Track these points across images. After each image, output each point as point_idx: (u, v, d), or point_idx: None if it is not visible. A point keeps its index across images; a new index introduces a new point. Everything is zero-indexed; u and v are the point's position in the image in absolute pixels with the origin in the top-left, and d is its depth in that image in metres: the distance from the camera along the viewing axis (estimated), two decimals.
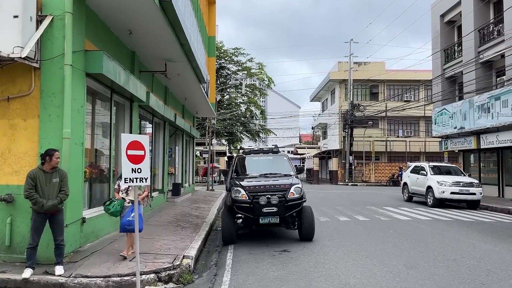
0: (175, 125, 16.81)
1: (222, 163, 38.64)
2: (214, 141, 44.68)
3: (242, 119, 43.18)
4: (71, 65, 6.70)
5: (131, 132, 10.62)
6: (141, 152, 5.61)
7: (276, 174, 10.17)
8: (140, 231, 6.43)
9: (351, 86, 39.92)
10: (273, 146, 11.45)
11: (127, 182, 5.47)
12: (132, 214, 6.66)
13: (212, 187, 26.43)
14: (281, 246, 8.88)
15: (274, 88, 50.03)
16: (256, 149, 11.02)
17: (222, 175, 36.78)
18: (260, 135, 45.18)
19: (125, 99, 10.45)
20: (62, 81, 6.70)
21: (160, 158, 15.35)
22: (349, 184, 38.00)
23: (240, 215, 9.26)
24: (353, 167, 39.64)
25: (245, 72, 42.53)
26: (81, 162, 7.54)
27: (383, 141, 41.37)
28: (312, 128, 55.39)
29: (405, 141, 41.26)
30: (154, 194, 14.42)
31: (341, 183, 39.41)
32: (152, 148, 13.83)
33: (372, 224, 12.23)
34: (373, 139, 40.72)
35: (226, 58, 42.87)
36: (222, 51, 41.27)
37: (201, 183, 37.03)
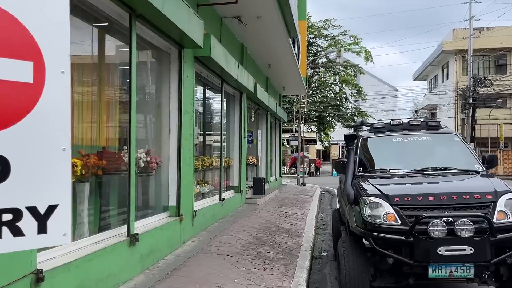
0: (256, 100, 12.41)
1: (312, 152, 33.96)
2: (302, 127, 40.02)
3: (335, 102, 37.63)
4: None
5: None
6: None
7: (446, 169, 5.21)
8: None
9: (471, 57, 32.35)
10: (425, 117, 6.39)
11: None
12: None
13: (303, 181, 21.78)
14: None
15: (366, 68, 43.52)
16: (395, 122, 6.03)
17: (333, 168, 32.22)
18: (355, 119, 39.31)
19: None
20: None
21: (235, 143, 11.07)
22: None
23: (382, 254, 4.47)
24: None
25: (339, 46, 36.93)
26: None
27: None
28: (415, 111, 47.88)
29: None
30: (227, 194, 10.17)
31: None
32: (221, 128, 9.55)
33: None
34: (500, 121, 32.84)
35: (314, 33, 37.62)
36: (309, 24, 36.08)
37: (288, 174, 32.66)
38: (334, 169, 7.32)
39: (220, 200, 9.04)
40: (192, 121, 7.07)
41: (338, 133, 52.23)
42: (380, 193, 4.57)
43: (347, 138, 5.89)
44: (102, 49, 5.24)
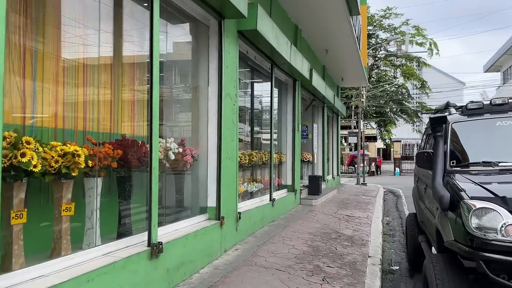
0: (311, 89, 11.14)
1: (372, 150, 31.86)
2: (361, 123, 37.83)
3: (397, 96, 35.07)
4: None
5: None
6: None
7: None
8: None
9: None
10: None
11: None
12: None
13: (364, 180, 20.09)
14: None
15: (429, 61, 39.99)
16: (498, 101, 4.52)
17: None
18: (419, 115, 36.54)
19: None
20: None
21: (288, 137, 9.88)
22: None
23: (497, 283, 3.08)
24: None
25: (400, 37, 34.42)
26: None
27: None
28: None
29: None
30: (279, 194, 9.02)
31: None
32: (271, 119, 8.40)
33: None
34: None
35: (374, 24, 35.36)
36: (368, 15, 33.91)
37: (347, 173, 30.85)
38: (416, 163, 5.74)
39: (270, 200, 7.91)
40: (236, 108, 5.98)
41: (400, 129, 49.21)
42: (492, 195, 3.18)
43: (434, 121, 4.47)
44: (119, 16, 4.29)
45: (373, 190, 16.92)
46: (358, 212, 10.14)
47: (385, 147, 44.88)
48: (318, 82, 10.89)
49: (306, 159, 12.74)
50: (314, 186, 11.15)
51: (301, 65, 8.76)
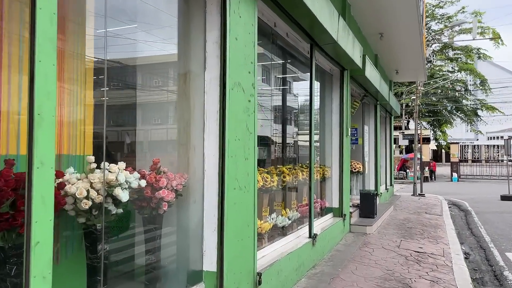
0: (363, 81, 8.73)
1: (425, 153, 28.60)
2: (411, 123, 34.56)
3: (453, 93, 31.42)
4: None
5: None
6: None
7: None
8: None
9: None
10: None
11: None
12: None
13: (421, 190, 17.24)
14: None
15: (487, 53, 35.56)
16: None
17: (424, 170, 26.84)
18: (479, 113, 32.68)
19: None
20: None
21: (334, 144, 7.54)
22: None
23: None
24: None
25: (455, 29, 30.85)
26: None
27: None
28: None
29: None
30: (322, 223, 6.72)
31: None
32: (310, 121, 6.03)
33: None
34: None
35: (426, 14, 31.98)
36: None
37: (397, 179, 27.78)
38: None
39: (310, 237, 5.62)
40: (252, 105, 3.75)
41: (457, 130, 45.00)
42: None
43: None
44: None
45: (435, 204, 14.13)
46: (428, 243, 7.61)
47: (435, 149, 41.10)
48: (372, 73, 8.46)
49: (355, 169, 10.32)
50: (368, 206, 8.72)
51: (352, 47, 6.41)
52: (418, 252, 6.87)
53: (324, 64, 6.98)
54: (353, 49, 6.49)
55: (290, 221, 5.46)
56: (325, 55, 6.38)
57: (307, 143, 6.28)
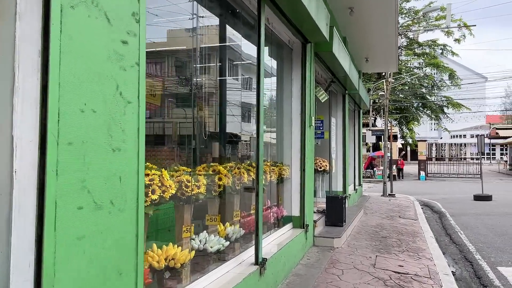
0: (330, 61, 7.21)
1: (393, 151, 27.75)
2: (379, 120, 33.72)
3: (421, 89, 30.71)
4: None
5: None
6: None
7: None
8: None
9: None
10: None
11: None
12: None
13: (391, 190, 16.07)
14: None
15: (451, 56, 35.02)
16: None
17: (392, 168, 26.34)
18: (445, 110, 32.18)
19: None
20: None
21: (294, 137, 5.97)
22: None
23: None
24: None
25: (421, 24, 30.21)
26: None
27: None
28: None
29: None
30: (276, 239, 5.15)
31: None
32: (258, 106, 4.39)
33: None
34: None
35: None
36: None
37: (364, 178, 26.71)
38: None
39: (257, 263, 4.00)
40: (133, 51, 2.09)
41: (421, 128, 44.77)
42: None
43: None
44: None
45: (407, 205, 12.92)
46: (408, 258, 6.19)
47: (401, 146, 40.70)
48: (341, 51, 6.97)
49: (321, 168, 8.84)
50: (335, 213, 7.22)
51: (315, 8, 4.85)
52: (398, 273, 5.41)
53: (281, 32, 5.40)
54: (317, 11, 4.93)
55: (228, 242, 3.84)
56: (281, 16, 4.78)
57: (255, 137, 4.66)
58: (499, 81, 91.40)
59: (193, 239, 3.48)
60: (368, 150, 30.71)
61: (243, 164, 4.48)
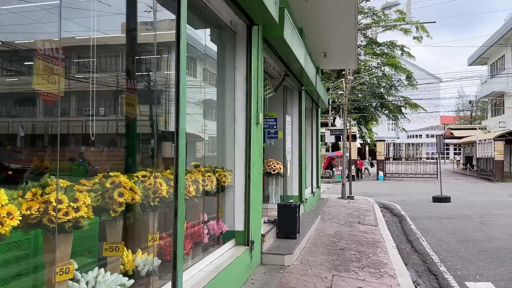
0: (282, 50, 6.31)
1: (352, 151, 27.51)
2: (338, 120, 33.52)
3: (379, 89, 30.70)
4: None
5: None
6: None
7: None
8: None
9: None
10: None
11: None
12: None
13: (350, 192, 15.48)
14: None
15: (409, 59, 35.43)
16: None
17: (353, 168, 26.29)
18: (403, 111, 32.38)
19: None
20: None
21: (238, 135, 5.02)
22: None
23: None
24: None
25: (380, 24, 30.17)
26: None
27: None
28: (470, 102, 40.48)
29: None
30: (211, 260, 4.16)
31: None
32: (177, 94, 3.40)
33: None
34: None
35: None
36: None
37: (323, 178, 26.28)
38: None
39: None
40: None
41: (379, 128, 45.08)
42: None
43: None
44: None
45: (367, 209, 12.33)
46: (370, 277, 5.39)
47: (359, 146, 40.88)
48: (294, 38, 6.08)
49: (274, 171, 7.97)
50: (288, 223, 6.33)
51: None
52: None
53: (220, 10, 4.43)
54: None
55: (133, 281, 2.82)
56: None
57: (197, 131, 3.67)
58: (454, 81, 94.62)
59: (78, 281, 2.45)
60: (327, 150, 30.37)
61: (165, 172, 3.47)
